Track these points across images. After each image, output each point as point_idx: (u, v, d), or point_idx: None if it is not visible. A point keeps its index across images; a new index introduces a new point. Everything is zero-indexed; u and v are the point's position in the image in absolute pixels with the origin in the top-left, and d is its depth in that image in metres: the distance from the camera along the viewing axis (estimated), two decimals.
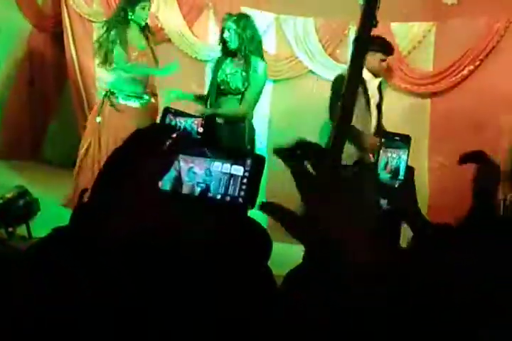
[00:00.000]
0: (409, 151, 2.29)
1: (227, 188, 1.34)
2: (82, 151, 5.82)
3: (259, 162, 1.35)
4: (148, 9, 5.77)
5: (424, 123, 6.31)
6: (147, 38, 5.83)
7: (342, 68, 6.18)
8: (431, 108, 6.30)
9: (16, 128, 7.07)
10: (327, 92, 6.22)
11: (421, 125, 6.29)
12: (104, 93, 5.76)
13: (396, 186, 2.28)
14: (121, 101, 5.69)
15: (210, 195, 1.33)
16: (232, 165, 1.34)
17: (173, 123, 2.52)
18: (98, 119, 5.71)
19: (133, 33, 5.71)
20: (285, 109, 6.69)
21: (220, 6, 6.60)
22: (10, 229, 4.87)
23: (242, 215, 1.43)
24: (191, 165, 1.32)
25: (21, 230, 4.95)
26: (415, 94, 6.35)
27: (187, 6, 6.71)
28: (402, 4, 5.99)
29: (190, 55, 6.75)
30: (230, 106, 5.19)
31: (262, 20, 6.46)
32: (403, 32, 6.20)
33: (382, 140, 2.31)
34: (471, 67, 5.99)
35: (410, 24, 6.18)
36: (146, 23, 5.79)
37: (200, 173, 1.33)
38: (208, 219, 1.32)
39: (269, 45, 6.51)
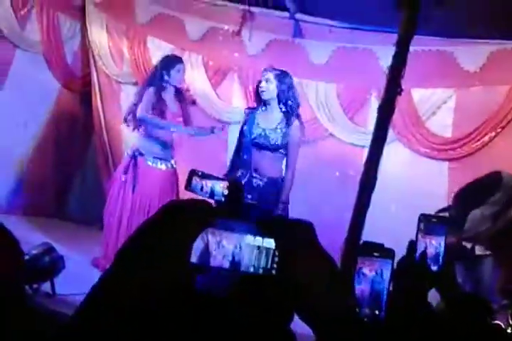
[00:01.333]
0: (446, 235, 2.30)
1: (259, 261, 1.33)
2: (106, 209, 5.91)
3: (299, 231, 1.35)
4: (183, 71, 5.92)
5: (442, 190, 6.35)
6: (182, 100, 5.97)
7: (361, 131, 6.32)
8: (448, 174, 6.35)
9: (41, 186, 7.18)
10: (347, 155, 6.36)
11: (439, 191, 6.33)
12: (131, 153, 5.87)
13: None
14: (149, 163, 5.80)
15: (242, 268, 1.32)
16: (263, 237, 1.33)
17: (199, 185, 2.60)
18: (123, 178, 5.81)
19: (168, 95, 5.85)
20: (306, 174, 6.76)
21: (245, 70, 6.76)
22: (35, 286, 4.92)
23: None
24: (219, 238, 1.32)
25: (46, 286, 4.99)
26: (434, 159, 6.42)
27: (213, 69, 6.88)
28: (422, 70, 6.13)
29: (213, 117, 6.87)
30: (269, 163, 5.29)
31: None
32: (423, 97, 6.31)
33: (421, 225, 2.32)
34: (492, 134, 6.07)
35: (431, 90, 6.29)
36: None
37: (228, 247, 1.32)
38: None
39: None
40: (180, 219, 1.31)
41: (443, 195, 6.35)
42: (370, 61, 6.21)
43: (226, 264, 1.33)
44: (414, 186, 6.41)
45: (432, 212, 6.02)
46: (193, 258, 1.32)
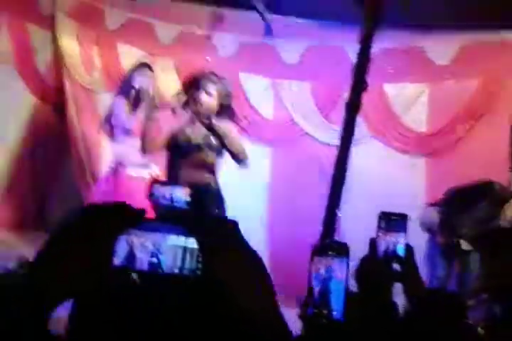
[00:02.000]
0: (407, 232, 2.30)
1: (183, 262, 1.31)
2: None
3: (222, 229, 1.35)
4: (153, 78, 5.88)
5: (419, 184, 6.34)
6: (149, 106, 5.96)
7: (336, 130, 6.29)
8: (426, 169, 6.35)
9: (21, 198, 7.14)
10: (322, 155, 6.32)
11: (416, 186, 6.33)
12: (112, 164, 5.84)
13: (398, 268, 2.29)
14: (131, 173, 5.76)
15: (165, 269, 1.31)
16: (186, 237, 1.32)
17: (160, 193, 2.58)
18: (104, 189, 5.77)
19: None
20: (284, 173, 6.75)
21: (219, 73, 6.71)
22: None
23: None
24: (143, 239, 1.30)
25: None
26: (409, 154, 6.41)
27: (185, 73, 6.80)
28: (394, 66, 6.14)
29: None
30: None
31: (259, 84, 6.62)
32: (396, 93, 6.30)
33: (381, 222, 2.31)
34: (466, 127, 6.07)
35: (403, 85, 6.29)
36: None
37: (152, 248, 1.31)
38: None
39: (267, 109, 6.65)
40: (96, 221, 1.29)
41: (420, 190, 6.35)
42: (341, 58, 6.19)
43: (151, 266, 1.32)
44: (392, 182, 6.40)
45: (410, 207, 6.05)
46: (117, 261, 1.31)
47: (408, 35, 6.06)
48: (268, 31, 6.44)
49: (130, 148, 5.83)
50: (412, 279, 2.40)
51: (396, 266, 2.31)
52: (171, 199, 2.56)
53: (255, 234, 6.59)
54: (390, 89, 6.34)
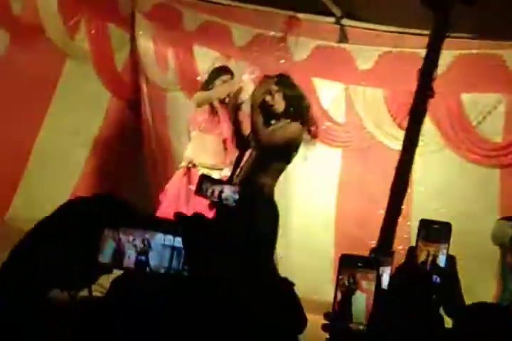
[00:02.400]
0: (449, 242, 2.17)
1: (170, 261, 1.27)
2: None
3: (207, 228, 1.27)
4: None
5: (493, 196, 6.16)
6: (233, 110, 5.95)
7: None
8: (500, 181, 6.16)
9: (91, 191, 7.26)
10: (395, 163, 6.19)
11: (490, 198, 6.15)
12: (185, 163, 5.88)
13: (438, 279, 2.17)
14: (201, 171, 5.76)
15: (152, 268, 1.27)
16: (174, 236, 1.28)
17: (209, 190, 2.56)
18: (176, 190, 5.80)
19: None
20: (354, 179, 6.66)
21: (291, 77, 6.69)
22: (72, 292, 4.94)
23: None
24: (131, 237, 1.27)
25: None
26: (484, 166, 6.23)
27: (259, 76, 6.83)
28: (471, 74, 5.98)
29: None
30: None
31: (332, 89, 6.56)
32: (473, 102, 6.13)
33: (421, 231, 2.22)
34: None
35: (480, 94, 6.12)
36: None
37: (140, 246, 1.27)
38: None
39: (339, 114, 6.58)
40: (82, 214, 1.25)
41: (494, 203, 6.18)
42: (417, 65, 6.04)
43: (139, 264, 1.28)
44: (465, 194, 6.24)
45: (484, 220, 5.90)
46: (102, 258, 1.28)
47: (486, 42, 5.89)
48: (343, 37, 6.38)
49: (204, 148, 5.86)
50: (452, 292, 2.29)
51: (436, 278, 2.20)
52: (219, 197, 2.55)
53: (322, 235, 6.59)
54: (466, 98, 6.18)
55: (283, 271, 4.78)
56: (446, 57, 5.32)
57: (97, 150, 7.37)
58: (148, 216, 1.32)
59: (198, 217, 1.29)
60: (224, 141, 5.98)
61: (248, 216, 2.63)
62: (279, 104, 5.07)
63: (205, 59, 6.91)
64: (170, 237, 1.28)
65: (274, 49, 6.62)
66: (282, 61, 6.66)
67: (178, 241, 1.27)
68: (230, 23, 6.78)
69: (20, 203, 6.85)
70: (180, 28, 7.01)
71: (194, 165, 5.84)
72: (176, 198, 5.85)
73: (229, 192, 2.59)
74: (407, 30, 6.14)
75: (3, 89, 6.53)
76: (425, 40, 5.86)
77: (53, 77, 6.91)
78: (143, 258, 1.28)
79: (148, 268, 1.28)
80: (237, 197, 2.56)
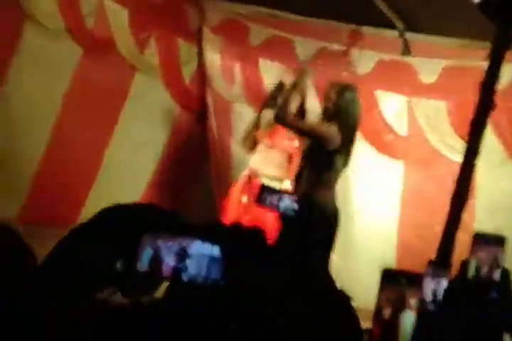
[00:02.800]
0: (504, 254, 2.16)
1: (209, 270, 1.26)
2: None
3: (248, 238, 1.32)
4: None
5: None
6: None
7: None
8: None
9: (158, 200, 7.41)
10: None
11: None
12: (248, 172, 5.98)
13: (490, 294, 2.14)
14: (263, 182, 5.84)
15: (188, 277, 1.26)
16: (212, 245, 1.26)
17: (268, 200, 2.64)
18: (244, 199, 5.90)
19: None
20: (417, 192, 6.67)
21: None
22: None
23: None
24: (170, 244, 1.26)
25: None
26: None
27: (322, 89, 6.85)
28: None
29: None
30: None
31: (395, 102, 6.59)
32: None
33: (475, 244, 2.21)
34: None
35: None
36: None
37: (179, 254, 1.26)
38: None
39: (401, 126, 6.60)
40: (118, 221, 1.27)
41: None
42: (480, 78, 6.04)
43: (176, 272, 1.28)
44: None
45: None
46: (142, 266, 1.29)
47: None
48: (406, 49, 6.41)
49: (268, 160, 5.95)
50: (508, 306, 2.24)
51: (492, 293, 2.16)
52: (278, 206, 2.60)
53: (384, 247, 6.59)
54: None
55: (342, 281, 4.85)
56: (507, 69, 5.31)
57: (164, 163, 7.53)
58: (188, 223, 1.34)
59: (239, 226, 1.31)
60: (290, 155, 6.07)
61: (306, 226, 2.67)
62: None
63: (270, 73, 7.01)
64: (208, 245, 1.27)
65: (338, 62, 6.69)
66: (345, 74, 6.73)
67: (215, 250, 1.27)
68: (294, 37, 6.87)
69: (89, 215, 7.02)
70: (246, 43, 7.14)
71: (256, 175, 5.92)
72: (236, 207, 5.95)
73: (288, 202, 2.64)
74: (470, 43, 6.13)
75: (75, 101, 6.74)
76: (488, 53, 5.91)
77: (123, 90, 7.09)
78: (180, 266, 1.28)
79: (185, 277, 1.28)
80: (296, 207, 2.61)
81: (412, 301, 1.72)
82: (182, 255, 1.27)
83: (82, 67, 6.71)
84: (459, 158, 6.32)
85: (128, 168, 7.17)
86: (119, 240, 1.24)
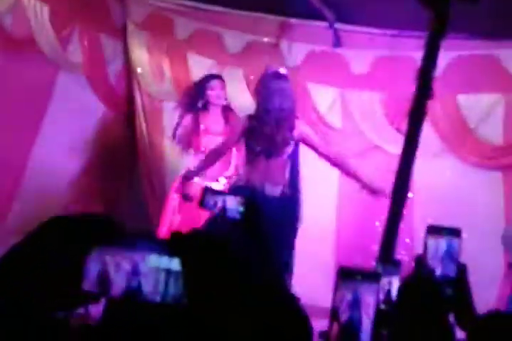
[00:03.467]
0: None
1: (166, 287, 1.12)
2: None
3: (211, 248, 1.16)
4: (222, 88, 5.81)
5: (497, 200, 6.10)
6: (227, 119, 5.88)
7: None
8: (504, 183, 6.09)
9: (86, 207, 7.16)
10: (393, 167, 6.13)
11: (494, 201, 6.09)
12: (184, 173, 5.79)
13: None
14: (199, 182, 5.66)
15: (144, 296, 1.11)
16: (171, 258, 1.12)
17: (211, 202, 2.47)
18: (175, 198, 5.73)
19: (210, 114, 5.79)
20: (353, 184, 6.58)
21: None
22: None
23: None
24: (119, 259, 1.12)
25: None
26: (486, 168, 6.16)
27: (254, 83, 6.71)
28: (467, 76, 5.92)
29: None
30: None
31: (327, 94, 6.50)
32: (470, 104, 6.07)
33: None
34: None
35: (477, 96, 6.06)
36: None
37: (131, 270, 1.12)
38: None
39: (335, 119, 6.52)
40: (63, 234, 1.13)
41: (499, 207, 6.11)
42: (412, 68, 5.99)
43: (128, 291, 1.13)
44: (468, 198, 6.16)
45: (490, 225, 5.82)
46: (87, 285, 1.14)
47: (483, 43, 5.83)
48: (337, 41, 6.32)
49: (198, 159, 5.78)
50: (464, 302, 2.16)
51: (447, 290, 2.06)
52: (223, 209, 2.46)
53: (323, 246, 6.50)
54: (463, 99, 6.12)
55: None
56: (442, 58, 5.27)
57: (91, 165, 7.27)
58: (139, 234, 1.19)
59: (197, 233, 1.17)
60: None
61: (253, 228, 2.51)
62: None
63: (199, 67, 6.85)
64: (165, 259, 1.13)
65: (268, 55, 6.56)
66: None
67: (175, 263, 1.13)
68: (222, 30, 6.73)
69: (18, 218, 6.75)
70: (173, 37, 6.96)
71: (191, 173, 5.73)
72: (171, 209, 5.79)
73: (233, 204, 2.49)
74: (401, 33, 6.08)
75: None
76: (420, 42, 5.85)
77: (47, 89, 6.81)
78: (133, 283, 1.13)
79: (139, 297, 1.13)
80: (241, 208, 2.45)
81: (369, 299, 1.61)
82: (134, 272, 1.13)
83: (2, 67, 6.39)
84: (394, 149, 6.32)
85: (53, 170, 6.88)
86: (62, 256, 1.07)
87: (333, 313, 1.61)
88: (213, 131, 5.92)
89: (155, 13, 7.01)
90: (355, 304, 1.58)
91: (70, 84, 6.91)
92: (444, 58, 5.64)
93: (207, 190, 2.51)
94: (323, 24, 6.35)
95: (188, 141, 5.85)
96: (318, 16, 6.28)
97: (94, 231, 1.13)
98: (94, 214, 1.18)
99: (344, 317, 1.58)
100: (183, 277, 1.14)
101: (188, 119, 5.90)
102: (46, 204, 6.55)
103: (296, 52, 6.49)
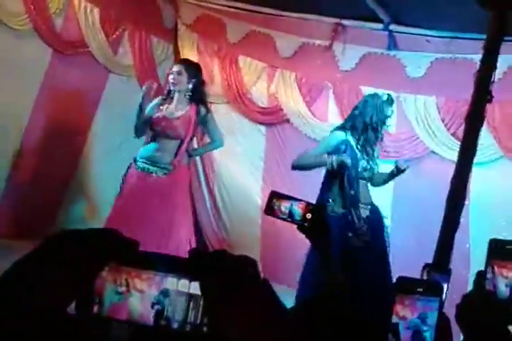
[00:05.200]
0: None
1: (186, 313, 1.01)
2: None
3: (236, 270, 0.99)
4: (179, 73, 5.44)
5: None
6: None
7: None
8: None
9: None
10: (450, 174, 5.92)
11: None
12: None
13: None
14: (139, 169, 5.40)
15: (162, 322, 1.00)
16: (191, 280, 1.01)
17: (276, 207, 2.35)
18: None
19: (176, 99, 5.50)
20: (407, 191, 6.39)
21: (340, 86, 6.48)
22: None
23: None
24: (132, 281, 1.00)
25: None
26: None
27: (306, 86, 6.64)
28: None
29: (308, 136, 6.64)
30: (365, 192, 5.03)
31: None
32: None
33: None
34: None
35: None
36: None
37: (146, 293, 1.01)
38: None
39: (390, 123, 6.32)
40: (69, 251, 1.01)
41: None
42: (471, 71, 5.78)
43: (144, 317, 1.00)
44: None
45: None
46: (97, 308, 1.02)
47: None
48: (392, 43, 6.14)
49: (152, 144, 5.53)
50: None
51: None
52: (289, 215, 2.33)
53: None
54: None
55: None
56: (501, 62, 5.05)
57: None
58: (154, 254, 1.05)
59: (220, 253, 1.03)
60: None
61: (319, 235, 2.35)
62: None
63: (250, 70, 6.75)
64: (185, 281, 1.02)
65: (321, 58, 6.42)
66: (330, 70, 6.48)
67: (195, 287, 1.02)
68: (274, 33, 6.61)
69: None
70: (224, 39, 6.88)
71: (135, 160, 5.46)
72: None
73: (297, 209, 2.35)
74: (459, 35, 5.87)
75: (46, 105, 6.41)
76: (478, 45, 5.64)
77: (96, 92, 6.78)
78: (158, 308, 1.02)
79: (158, 323, 1.01)
80: (309, 214, 2.31)
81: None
82: (152, 294, 1.01)
83: (52, 70, 6.36)
84: (450, 155, 6.11)
85: (103, 174, 6.84)
86: (71, 275, 0.95)
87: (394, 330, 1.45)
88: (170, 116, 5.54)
89: (206, 15, 6.94)
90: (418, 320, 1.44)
91: (120, 87, 6.86)
92: (504, 62, 5.43)
93: (273, 195, 2.36)
94: (378, 26, 6.16)
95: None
96: (373, 18, 6.10)
97: (107, 247, 1.00)
98: (105, 229, 1.04)
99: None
100: (205, 303, 0.99)
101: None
102: None
103: (349, 55, 6.33)
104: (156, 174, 5.42)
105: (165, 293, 1.02)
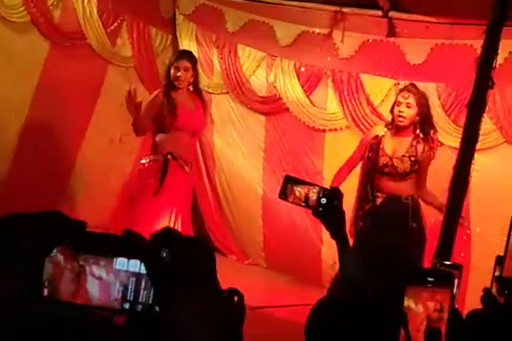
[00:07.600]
0: None
1: (137, 293, 0.99)
2: None
3: (187, 249, 0.96)
4: (186, 70, 5.54)
5: None
6: (198, 100, 5.65)
7: None
8: None
9: None
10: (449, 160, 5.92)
11: None
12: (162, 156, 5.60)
13: None
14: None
15: (112, 304, 0.98)
16: (141, 261, 0.98)
17: (290, 191, 2.33)
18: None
19: (181, 95, 5.57)
20: None
21: (339, 74, 6.46)
22: None
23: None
24: (81, 262, 0.99)
25: None
26: None
27: (305, 75, 6.62)
28: None
29: (307, 124, 6.63)
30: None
31: (381, 86, 6.29)
32: None
33: None
34: None
35: None
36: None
37: (95, 274, 0.99)
38: None
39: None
40: (18, 234, 1.00)
41: None
42: (471, 57, 5.76)
43: (91, 298, 0.99)
44: None
45: None
46: (47, 290, 1.01)
47: None
48: (391, 30, 6.11)
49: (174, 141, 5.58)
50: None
51: None
52: (305, 200, 2.30)
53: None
54: None
55: None
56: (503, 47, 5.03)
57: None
58: (102, 234, 1.03)
59: (171, 233, 1.00)
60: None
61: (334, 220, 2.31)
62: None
63: (249, 59, 6.74)
64: (135, 261, 1.00)
65: (320, 46, 6.39)
66: (329, 58, 6.45)
67: (144, 267, 0.99)
68: (273, 22, 6.58)
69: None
70: (223, 29, 6.85)
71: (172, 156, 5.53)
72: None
73: (313, 194, 2.31)
74: (459, 21, 5.84)
75: (45, 97, 6.39)
76: (479, 31, 5.60)
77: (95, 83, 6.76)
78: (97, 291, 1.01)
79: (104, 304, 1.01)
80: (324, 200, 2.27)
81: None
82: (101, 276, 1.01)
83: (50, 60, 6.35)
84: (450, 141, 6.09)
85: (101, 166, 6.83)
86: (19, 258, 0.98)
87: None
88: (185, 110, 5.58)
89: (204, 4, 6.92)
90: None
91: (120, 77, 6.85)
92: (506, 47, 5.41)
93: (288, 179, 2.33)
94: (377, 13, 6.13)
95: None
96: (372, 5, 6.07)
97: (53, 229, 0.99)
98: (51, 211, 1.04)
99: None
100: (154, 282, 0.97)
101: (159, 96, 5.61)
102: None
103: (349, 43, 6.30)
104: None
105: (116, 273, 1.00)
